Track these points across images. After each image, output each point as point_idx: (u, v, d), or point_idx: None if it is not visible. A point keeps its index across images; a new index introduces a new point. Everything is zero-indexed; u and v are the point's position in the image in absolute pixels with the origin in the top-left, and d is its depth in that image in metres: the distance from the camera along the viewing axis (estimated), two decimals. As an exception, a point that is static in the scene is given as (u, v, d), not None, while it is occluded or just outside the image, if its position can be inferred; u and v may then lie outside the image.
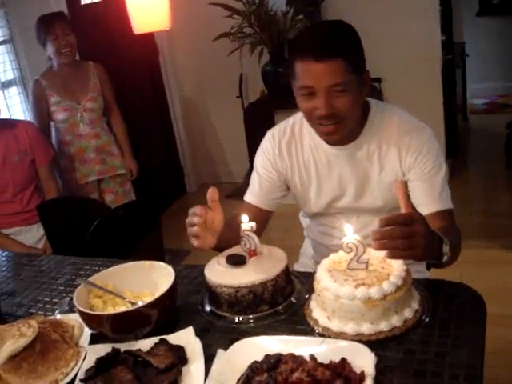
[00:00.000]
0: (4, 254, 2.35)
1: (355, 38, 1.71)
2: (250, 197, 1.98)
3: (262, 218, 1.95)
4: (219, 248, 1.66)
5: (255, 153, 2.04)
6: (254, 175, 2.00)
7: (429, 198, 1.75)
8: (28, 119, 3.92)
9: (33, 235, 3.24)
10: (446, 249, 1.47)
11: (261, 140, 2.03)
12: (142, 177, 4.04)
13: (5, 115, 3.55)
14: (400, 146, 1.78)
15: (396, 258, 1.36)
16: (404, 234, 1.32)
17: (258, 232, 1.80)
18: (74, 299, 1.50)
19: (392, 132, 1.80)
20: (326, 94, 1.65)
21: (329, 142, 1.83)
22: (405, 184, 1.53)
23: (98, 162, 3.69)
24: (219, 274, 1.54)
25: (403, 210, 1.43)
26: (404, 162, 1.79)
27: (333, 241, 1.96)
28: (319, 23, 1.83)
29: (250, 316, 1.50)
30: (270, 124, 4.85)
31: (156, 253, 2.57)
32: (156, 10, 2.18)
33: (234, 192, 4.95)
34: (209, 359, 1.33)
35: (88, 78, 3.70)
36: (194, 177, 5.70)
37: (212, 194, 1.62)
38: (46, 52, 3.57)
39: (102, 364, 1.34)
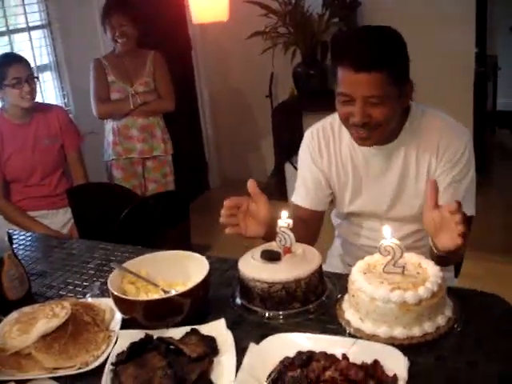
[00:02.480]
0: (33, 235, 2.38)
1: (400, 49, 1.69)
2: (298, 199, 1.99)
3: (315, 219, 1.98)
4: (271, 238, 1.67)
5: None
6: (298, 177, 2.01)
7: (450, 201, 1.74)
8: (60, 104, 3.97)
9: (59, 219, 3.27)
10: None
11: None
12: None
13: (38, 99, 3.59)
14: (439, 147, 1.79)
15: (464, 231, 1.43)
16: None
17: (315, 233, 1.93)
18: (109, 283, 1.51)
19: (432, 134, 1.80)
20: (362, 102, 1.65)
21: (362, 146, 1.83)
22: (436, 185, 1.53)
23: (140, 140, 3.79)
24: (253, 268, 1.54)
25: (429, 208, 1.51)
26: (439, 162, 1.80)
27: (365, 241, 1.97)
28: (365, 29, 1.80)
29: (281, 312, 1.51)
30: (298, 125, 4.93)
31: (183, 244, 2.58)
32: (216, 1, 2.19)
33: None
34: (239, 352, 1.33)
35: (144, 64, 3.80)
36: (218, 173, 5.72)
37: (251, 186, 1.69)
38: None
39: (134, 349, 1.35)
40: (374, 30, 1.74)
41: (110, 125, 3.79)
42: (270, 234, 1.68)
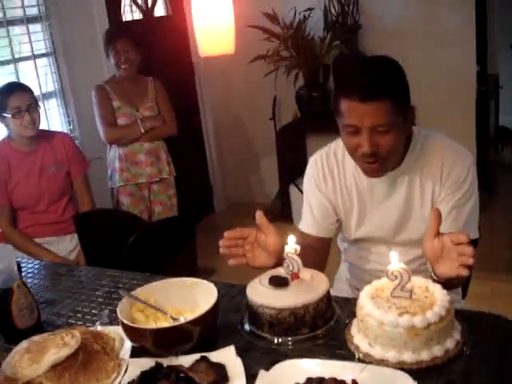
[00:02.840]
0: (41, 263, 2.39)
1: (402, 77, 1.72)
2: (305, 227, 2.01)
3: (323, 246, 2.00)
4: None
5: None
6: (304, 205, 2.03)
7: (453, 227, 1.76)
8: (65, 131, 4.00)
9: (65, 246, 3.28)
10: None
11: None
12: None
13: (43, 127, 3.62)
14: (442, 171, 1.81)
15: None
16: None
17: (323, 260, 1.94)
18: (118, 312, 1.51)
19: (435, 158, 1.82)
20: (370, 132, 1.67)
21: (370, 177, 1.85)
22: (440, 214, 1.54)
23: (148, 164, 3.84)
24: (261, 294, 1.55)
25: (430, 236, 1.53)
26: (442, 186, 1.81)
27: (372, 265, 1.98)
28: (365, 60, 1.84)
29: (290, 338, 1.51)
30: (302, 147, 4.96)
31: (190, 269, 2.59)
32: (222, 34, 2.23)
33: (263, 213, 4.97)
34: (248, 379, 1.34)
35: (146, 89, 3.88)
36: (222, 196, 5.74)
37: (258, 218, 1.71)
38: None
39: (145, 378, 1.36)
40: (374, 60, 1.79)
41: (115, 151, 3.82)
42: (281, 263, 1.68)
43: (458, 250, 1.46)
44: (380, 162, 1.73)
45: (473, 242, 1.73)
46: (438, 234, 1.53)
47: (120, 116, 3.75)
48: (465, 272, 1.44)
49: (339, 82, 1.78)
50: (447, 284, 1.53)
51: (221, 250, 1.70)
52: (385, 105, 1.64)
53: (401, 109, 1.68)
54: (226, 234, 1.71)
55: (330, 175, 1.94)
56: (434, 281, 1.55)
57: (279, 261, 1.68)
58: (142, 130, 3.73)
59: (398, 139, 1.71)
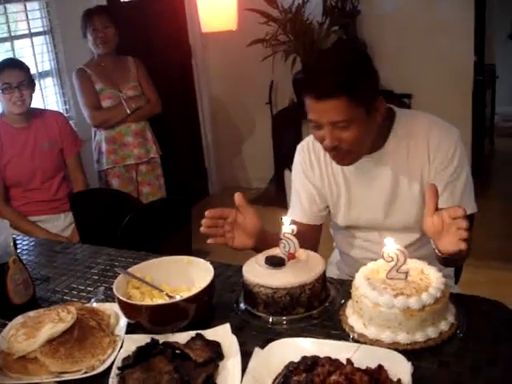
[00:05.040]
0: (36, 240, 2.39)
1: (362, 70, 1.68)
2: (293, 215, 1.97)
3: (313, 232, 1.99)
4: (261, 250, 1.70)
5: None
6: (293, 193, 2.02)
7: (450, 202, 1.74)
8: (60, 110, 3.98)
9: (59, 224, 3.28)
10: None
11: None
12: (165, 176, 4.09)
13: (39, 105, 3.61)
14: (429, 148, 1.79)
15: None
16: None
17: (314, 245, 1.92)
18: (114, 288, 1.52)
19: (421, 135, 1.80)
20: (330, 128, 1.67)
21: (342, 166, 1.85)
22: (436, 190, 1.52)
23: (136, 145, 3.81)
24: (258, 273, 1.56)
25: (429, 212, 1.51)
26: (431, 163, 1.79)
27: (363, 254, 1.95)
28: (324, 55, 1.83)
29: (285, 318, 1.52)
30: (298, 132, 4.95)
31: (184, 250, 2.59)
32: (225, 10, 2.23)
33: (258, 198, 4.99)
34: (243, 356, 1.34)
35: (128, 69, 3.84)
36: (217, 179, 5.73)
37: (237, 199, 1.72)
38: (88, 44, 3.71)
39: (141, 353, 1.36)
40: (334, 54, 1.78)
41: (100, 134, 3.78)
42: (261, 245, 1.71)
43: (456, 225, 1.45)
44: (344, 154, 1.73)
45: (470, 216, 1.72)
46: (437, 209, 1.51)
47: (104, 98, 3.71)
48: (463, 245, 1.44)
49: (301, 80, 1.78)
50: (451, 260, 1.55)
51: (201, 229, 1.71)
52: (340, 102, 1.62)
53: (360, 103, 1.65)
54: (207, 213, 1.71)
55: (317, 162, 1.93)
56: (440, 258, 1.56)
57: (258, 243, 1.72)
58: (128, 111, 3.70)
59: (360, 132, 1.69)
